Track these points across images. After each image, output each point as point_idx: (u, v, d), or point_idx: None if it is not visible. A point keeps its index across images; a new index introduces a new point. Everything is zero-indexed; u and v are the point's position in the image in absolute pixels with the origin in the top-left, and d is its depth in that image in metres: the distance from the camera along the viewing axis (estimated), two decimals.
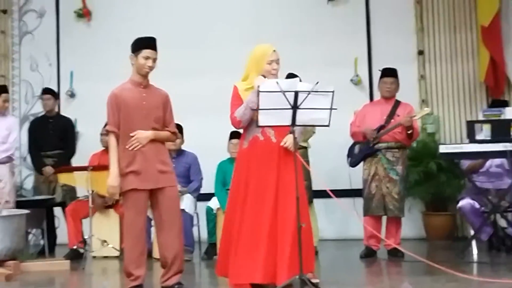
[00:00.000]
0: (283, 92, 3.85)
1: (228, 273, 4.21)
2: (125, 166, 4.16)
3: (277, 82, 3.87)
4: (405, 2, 7.35)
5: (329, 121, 3.99)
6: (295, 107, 3.89)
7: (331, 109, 3.95)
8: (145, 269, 4.21)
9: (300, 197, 3.97)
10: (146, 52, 4.21)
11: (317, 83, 3.88)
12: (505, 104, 6.13)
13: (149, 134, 4.17)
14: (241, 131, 4.44)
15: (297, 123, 3.96)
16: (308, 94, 3.87)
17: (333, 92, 3.91)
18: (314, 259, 4.42)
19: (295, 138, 4.03)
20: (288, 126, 4.00)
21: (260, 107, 3.88)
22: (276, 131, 4.20)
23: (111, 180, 4.12)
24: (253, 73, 4.25)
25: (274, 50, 4.24)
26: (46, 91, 6.95)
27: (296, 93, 3.87)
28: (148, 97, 4.22)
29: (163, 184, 4.19)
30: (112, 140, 4.21)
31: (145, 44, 4.24)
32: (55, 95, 6.98)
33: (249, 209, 4.15)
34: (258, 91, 3.88)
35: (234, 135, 6.17)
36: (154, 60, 4.24)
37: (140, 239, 4.17)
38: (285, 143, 4.14)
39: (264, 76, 4.15)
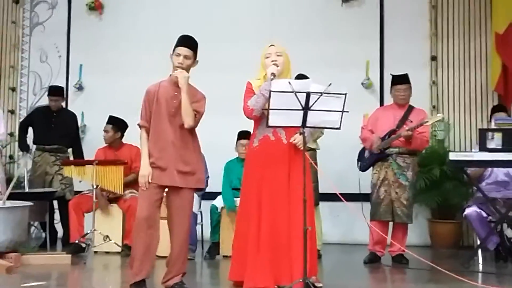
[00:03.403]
0: (295, 92, 3.79)
1: (244, 277, 4.15)
2: (150, 161, 4.18)
3: (289, 82, 3.82)
4: (420, 7, 7.29)
5: (341, 124, 3.93)
6: (306, 108, 3.84)
7: (342, 111, 3.88)
8: (151, 265, 4.16)
9: (307, 200, 3.92)
10: (177, 50, 4.21)
11: (330, 84, 3.83)
12: (503, 109, 6.07)
13: (186, 77, 4.15)
14: (250, 130, 4.42)
15: (308, 124, 3.91)
16: (320, 95, 3.82)
17: (345, 94, 3.85)
18: (317, 262, 4.40)
19: (304, 138, 3.98)
20: (298, 127, 3.94)
21: (270, 107, 3.83)
22: (287, 132, 4.19)
23: (142, 170, 4.17)
24: (261, 71, 4.34)
25: (272, 45, 4.31)
26: (54, 92, 6.81)
27: (308, 94, 3.81)
28: (180, 96, 4.16)
29: (180, 184, 4.16)
30: (142, 133, 4.25)
31: (178, 42, 4.25)
32: (61, 94, 6.91)
33: (266, 211, 4.13)
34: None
35: (242, 135, 6.13)
36: (186, 57, 4.19)
37: (149, 234, 4.12)
38: (294, 140, 4.14)
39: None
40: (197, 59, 4.29)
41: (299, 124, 3.91)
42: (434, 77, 7.25)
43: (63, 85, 7.63)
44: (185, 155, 4.20)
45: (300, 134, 4.03)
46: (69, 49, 8.00)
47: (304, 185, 3.92)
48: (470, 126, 7.16)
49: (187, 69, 4.23)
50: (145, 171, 4.15)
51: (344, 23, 7.37)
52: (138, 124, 4.29)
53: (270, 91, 3.82)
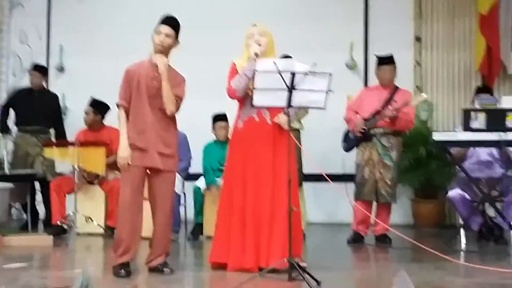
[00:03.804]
0: (280, 72, 3.75)
1: (227, 259, 4.14)
2: (129, 142, 4.12)
3: (274, 62, 3.77)
4: None
5: (325, 104, 3.90)
6: (291, 88, 3.80)
7: (327, 91, 3.85)
8: (136, 247, 4.13)
9: (292, 180, 3.90)
10: (159, 27, 4.14)
11: (315, 64, 3.79)
12: (488, 91, 6.07)
13: (166, 63, 4.08)
14: (227, 113, 4.38)
15: (293, 104, 3.87)
16: (305, 75, 3.78)
17: (331, 74, 3.82)
18: (302, 243, 4.41)
19: (289, 117, 3.95)
20: (283, 107, 3.91)
21: (255, 87, 3.79)
22: (272, 113, 4.15)
23: (121, 151, 4.11)
24: (245, 52, 4.26)
25: (255, 25, 4.25)
26: (35, 67, 6.76)
27: (293, 74, 3.77)
28: (160, 78, 4.11)
29: (161, 166, 4.12)
30: (121, 113, 4.19)
31: (160, 20, 4.18)
32: (44, 72, 6.82)
33: (250, 191, 4.12)
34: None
35: (220, 117, 6.12)
36: (167, 35, 4.11)
37: (133, 216, 4.09)
38: (278, 119, 4.09)
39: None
40: (178, 39, 4.22)
41: (284, 104, 3.87)
42: (418, 57, 7.24)
43: None
44: (165, 137, 4.17)
45: (285, 114, 3.99)
46: (49, 30, 7.89)
47: (288, 165, 3.90)
48: (453, 107, 7.18)
49: (168, 48, 4.16)
50: (124, 152, 4.10)
51: (328, 3, 7.33)
52: (117, 104, 4.22)
53: (255, 70, 3.78)
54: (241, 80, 4.11)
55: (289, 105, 3.87)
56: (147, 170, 4.16)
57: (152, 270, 4.17)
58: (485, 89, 6.18)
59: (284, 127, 4.10)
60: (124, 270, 4.03)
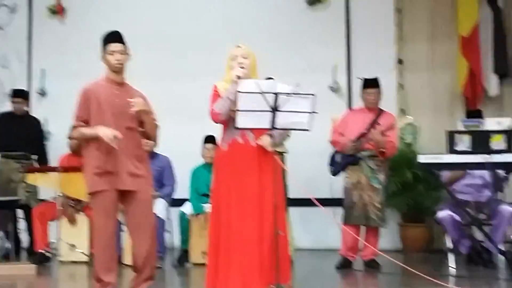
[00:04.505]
0: (263, 93, 3.71)
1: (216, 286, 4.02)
2: (95, 167, 3.97)
3: (257, 83, 3.73)
4: (385, 10, 7.25)
5: (310, 125, 3.86)
6: (274, 109, 3.76)
7: (312, 112, 3.81)
8: (116, 275, 4.04)
9: (278, 204, 3.84)
10: (110, 47, 4.06)
11: (298, 85, 3.75)
12: (479, 115, 6.03)
13: (144, 103, 4.02)
14: (216, 135, 4.31)
15: (276, 126, 3.82)
16: (288, 95, 3.74)
17: (314, 95, 3.79)
18: (290, 269, 4.32)
19: (274, 139, 3.89)
20: (267, 129, 3.86)
21: (238, 108, 3.74)
22: (256, 135, 4.08)
23: (100, 129, 3.88)
24: (227, 73, 4.16)
25: (239, 46, 4.16)
26: (17, 93, 6.69)
27: (276, 95, 3.74)
28: (122, 95, 4.05)
29: (134, 187, 4.01)
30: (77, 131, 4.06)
31: (108, 39, 4.11)
32: (25, 97, 6.75)
33: (235, 215, 4.00)
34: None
35: (208, 139, 6.05)
36: (122, 52, 4.06)
37: (110, 243, 4.01)
38: (261, 141, 4.02)
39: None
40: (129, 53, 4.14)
41: (268, 125, 3.82)
42: (401, 80, 7.23)
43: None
44: (135, 157, 4.06)
45: (270, 136, 3.94)
46: (30, 54, 7.83)
47: (273, 188, 3.84)
48: (437, 129, 7.14)
49: (125, 64, 4.10)
50: (104, 128, 3.87)
51: (310, 26, 7.32)
52: (74, 126, 4.10)
53: (237, 91, 3.74)
54: (224, 104, 4.02)
55: (272, 126, 3.82)
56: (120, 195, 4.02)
57: None
58: (475, 112, 6.08)
59: (267, 149, 4.03)
60: None
